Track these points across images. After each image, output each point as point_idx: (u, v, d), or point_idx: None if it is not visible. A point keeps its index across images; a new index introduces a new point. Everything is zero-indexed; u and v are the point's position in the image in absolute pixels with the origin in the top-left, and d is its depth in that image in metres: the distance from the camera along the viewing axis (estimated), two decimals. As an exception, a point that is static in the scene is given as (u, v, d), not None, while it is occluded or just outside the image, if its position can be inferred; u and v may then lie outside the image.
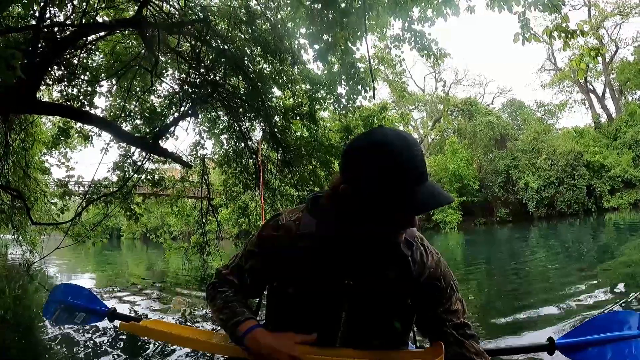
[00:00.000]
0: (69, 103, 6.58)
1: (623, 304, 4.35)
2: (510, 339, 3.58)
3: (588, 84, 36.16)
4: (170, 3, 6.45)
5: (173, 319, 5.01)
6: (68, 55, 6.09)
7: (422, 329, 1.27)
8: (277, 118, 7.58)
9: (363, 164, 1.03)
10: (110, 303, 6.18)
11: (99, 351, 3.57)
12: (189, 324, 4.76)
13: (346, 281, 1.18)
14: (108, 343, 3.72)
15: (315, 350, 1.12)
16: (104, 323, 1.78)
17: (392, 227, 1.11)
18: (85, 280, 10.04)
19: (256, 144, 7.95)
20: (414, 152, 1.01)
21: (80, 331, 3.93)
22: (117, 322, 1.74)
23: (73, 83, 6.58)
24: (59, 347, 3.73)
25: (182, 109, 6.89)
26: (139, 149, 7.05)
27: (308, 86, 7.26)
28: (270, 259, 1.23)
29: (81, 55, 6.44)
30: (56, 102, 6.71)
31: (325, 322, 1.19)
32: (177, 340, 1.26)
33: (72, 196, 7.88)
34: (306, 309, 1.20)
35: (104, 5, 6.30)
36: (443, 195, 1.03)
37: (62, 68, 6.21)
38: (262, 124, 7.63)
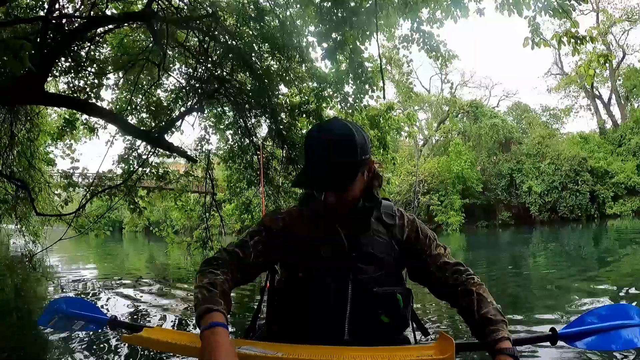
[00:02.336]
0: (75, 95, 6.59)
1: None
2: (512, 334, 3.57)
3: (594, 89, 36.06)
4: (179, -3, 6.46)
5: (175, 318, 4.99)
6: (76, 47, 6.08)
7: (414, 278, 1.39)
8: (283, 115, 7.56)
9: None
10: (111, 298, 6.20)
11: (98, 347, 3.58)
12: (190, 323, 4.74)
13: (348, 252, 1.27)
14: (109, 340, 3.72)
15: (319, 351, 1.11)
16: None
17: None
18: (87, 272, 10.08)
19: (261, 140, 7.93)
20: (319, 137, 1.22)
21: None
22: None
23: (80, 75, 6.59)
24: (58, 341, 3.73)
25: (189, 103, 6.89)
26: (144, 143, 7.05)
27: (315, 84, 7.23)
28: (276, 237, 1.31)
29: (89, 47, 6.44)
30: (63, 94, 6.72)
31: (333, 298, 1.25)
32: (181, 350, 1.24)
33: (77, 188, 7.88)
34: (314, 289, 1.26)
35: (113, -2, 6.29)
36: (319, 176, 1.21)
37: (70, 60, 6.22)
38: (267, 120, 7.61)
